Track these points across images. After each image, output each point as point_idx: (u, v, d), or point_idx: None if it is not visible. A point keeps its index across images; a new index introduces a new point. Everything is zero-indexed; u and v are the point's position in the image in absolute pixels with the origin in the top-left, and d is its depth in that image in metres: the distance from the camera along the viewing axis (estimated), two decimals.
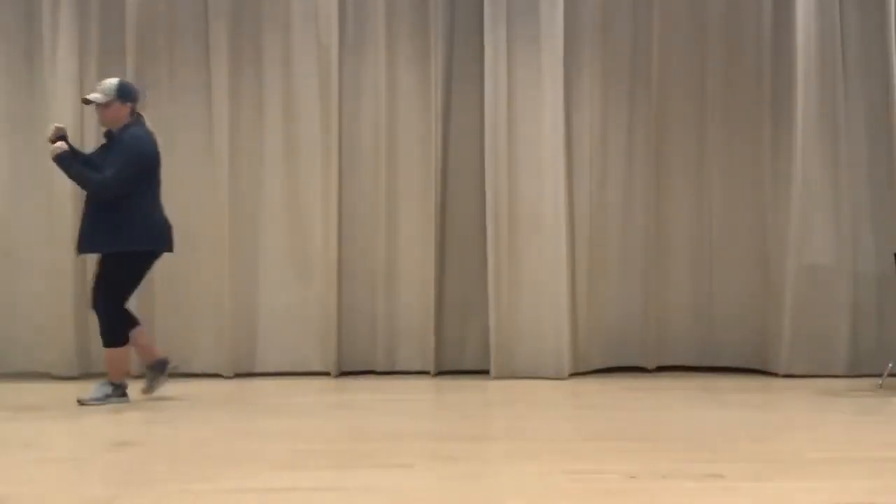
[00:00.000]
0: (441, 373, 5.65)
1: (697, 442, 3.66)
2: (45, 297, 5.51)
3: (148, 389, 4.76)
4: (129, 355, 4.80)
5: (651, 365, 5.63)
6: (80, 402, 4.54)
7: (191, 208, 5.58)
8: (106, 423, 4.22)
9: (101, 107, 4.62)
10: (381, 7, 5.65)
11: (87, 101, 4.69)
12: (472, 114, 5.67)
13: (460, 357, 5.73)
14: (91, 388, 4.63)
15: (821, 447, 3.58)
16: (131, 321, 4.73)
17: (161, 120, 5.61)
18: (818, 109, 5.51)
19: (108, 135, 4.67)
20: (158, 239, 4.66)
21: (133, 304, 5.52)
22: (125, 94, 4.62)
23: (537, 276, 5.49)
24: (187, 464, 3.31)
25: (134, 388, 4.72)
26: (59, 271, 5.46)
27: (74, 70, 5.50)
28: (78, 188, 4.71)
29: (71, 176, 4.54)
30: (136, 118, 4.68)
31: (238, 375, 5.57)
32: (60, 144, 4.50)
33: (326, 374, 5.56)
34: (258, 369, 5.64)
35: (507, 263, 5.50)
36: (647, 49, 5.66)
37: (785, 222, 5.52)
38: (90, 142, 5.56)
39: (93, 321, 5.66)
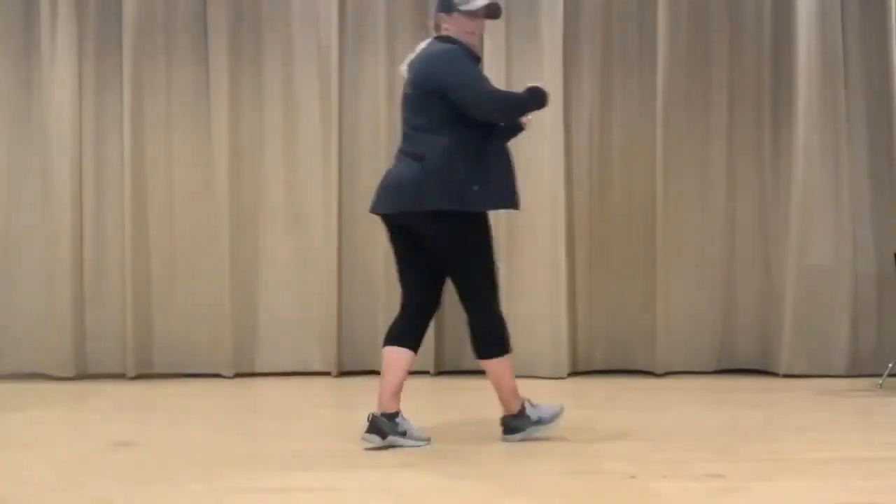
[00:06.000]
0: (441, 373, 5.64)
1: (697, 442, 3.66)
2: (42, 297, 5.49)
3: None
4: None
5: (659, 370, 5.58)
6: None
7: (190, 208, 5.58)
8: (106, 423, 4.23)
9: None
10: (381, 7, 5.65)
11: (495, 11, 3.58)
12: None
13: (460, 357, 5.72)
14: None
15: (821, 447, 3.58)
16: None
17: (159, 119, 5.62)
18: (819, 109, 5.49)
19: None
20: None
21: (129, 303, 5.54)
22: None
23: (536, 276, 5.47)
24: (187, 464, 3.31)
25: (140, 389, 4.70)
26: (56, 271, 5.44)
27: (73, 66, 5.47)
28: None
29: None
30: None
31: (238, 375, 5.56)
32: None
33: (327, 373, 5.55)
34: (258, 369, 5.63)
35: (505, 262, 5.48)
36: (650, 48, 5.63)
37: (785, 222, 5.52)
38: (90, 141, 5.55)
39: (90, 321, 5.67)
